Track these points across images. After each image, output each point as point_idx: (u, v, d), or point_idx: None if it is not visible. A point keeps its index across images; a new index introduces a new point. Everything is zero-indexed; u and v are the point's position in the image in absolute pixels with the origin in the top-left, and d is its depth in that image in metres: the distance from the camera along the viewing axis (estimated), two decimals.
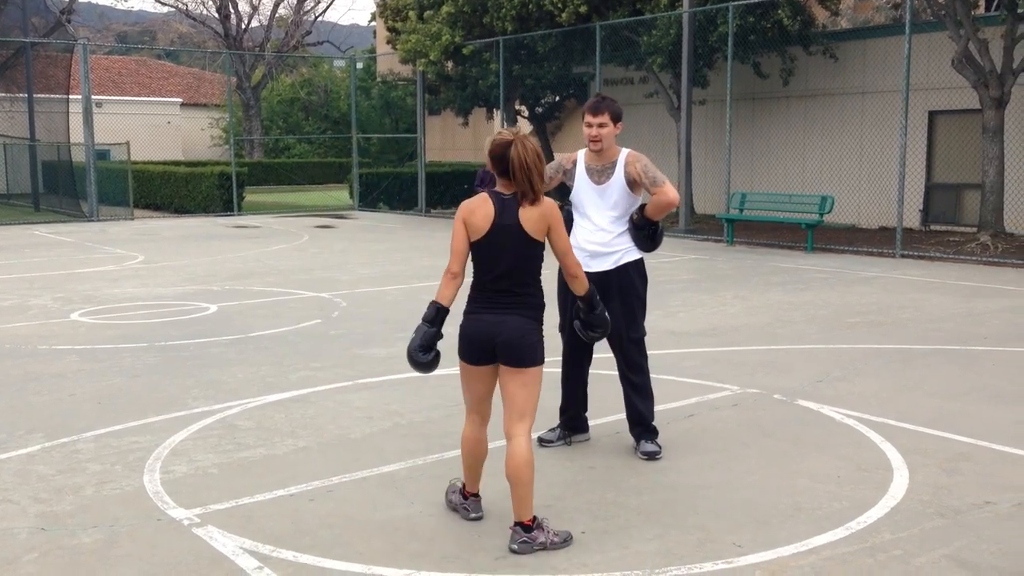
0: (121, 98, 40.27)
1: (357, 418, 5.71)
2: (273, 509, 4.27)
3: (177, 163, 29.99)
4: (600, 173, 4.94)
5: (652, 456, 4.91)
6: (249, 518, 4.17)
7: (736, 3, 16.15)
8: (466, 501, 4.17)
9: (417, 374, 6.47)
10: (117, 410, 5.89)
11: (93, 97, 22.06)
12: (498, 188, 3.90)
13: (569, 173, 5.05)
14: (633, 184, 4.91)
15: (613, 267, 4.93)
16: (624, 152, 4.98)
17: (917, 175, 16.86)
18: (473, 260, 3.90)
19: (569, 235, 4.44)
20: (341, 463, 4.89)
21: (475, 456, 4.10)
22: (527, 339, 3.86)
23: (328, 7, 50.25)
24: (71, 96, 23.62)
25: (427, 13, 21.10)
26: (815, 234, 14.93)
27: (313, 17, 43.98)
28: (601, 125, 4.88)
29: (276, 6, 41.74)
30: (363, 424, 5.60)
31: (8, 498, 4.43)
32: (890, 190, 15.98)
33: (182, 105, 43.53)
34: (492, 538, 3.94)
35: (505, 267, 3.84)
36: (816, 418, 5.67)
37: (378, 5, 25.50)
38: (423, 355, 3.87)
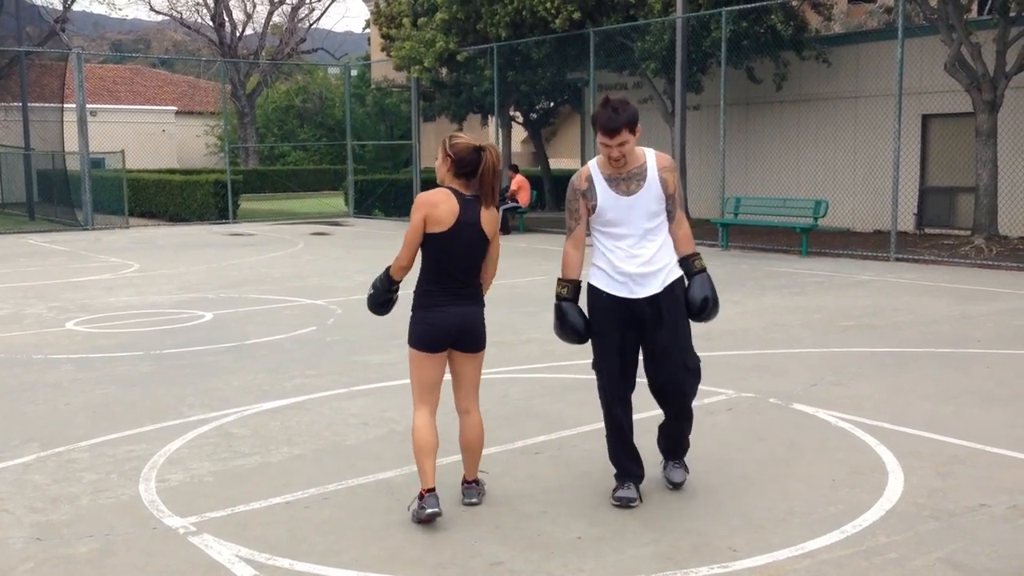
0: (116, 106, 40.26)
1: (353, 425, 5.71)
2: (269, 517, 4.27)
3: (172, 171, 30.00)
4: (627, 181, 4.18)
5: (678, 486, 4.53)
6: (245, 526, 4.17)
7: (729, 8, 16.19)
8: (422, 500, 4.12)
9: (407, 381, 6.48)
10: (112, 419, 5.88)
11: (88, 106, 22.06)
12: (454, 186, 4.14)
13: (589, 193, 4.23)
14: (667, 191, 4.26)
15: (662, 288, 4.23)
16: (650, 153, 4.28)
17: (911, 179, 16.91)
18: (429, 253, 4.11)
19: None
20: (337, 470, 4.89)
21: (430, 445, 4.16)
22: (482, 326, 4.26)
23: (322, 15, 50.33)
24: (66, 105, 23.62)
25: (421, 20, 21.14)
26: (810, 238, 14.97)
27: (307, 24, 44.02)
28: (622, 144, 4.10)
29: (270, 14, 41.79)
30: (359, 431, 5.60)
31: (3, 508, 4.42)
32: (884, 194, 16.01)
33: (177, 113, 43.53)
34: (487, 544, 3.94)
35: (467, 262, 4.14)
36: (811, 422, 5.68)
37: (372, 12, 25.55)
38: (383, 309, 4.34)
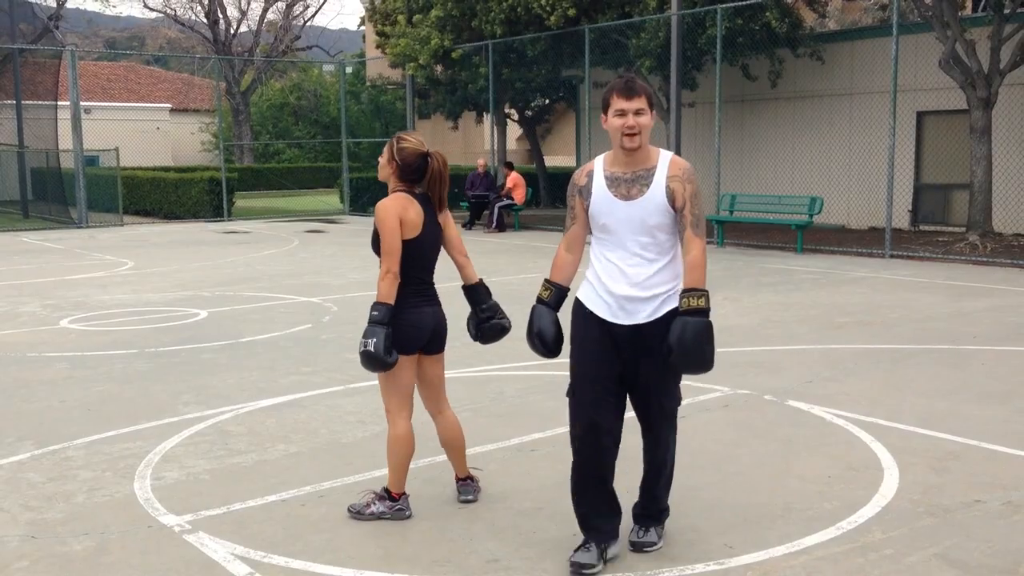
0: (110, 104, 40.16)
1: (348, 422, 5.71)
2: (265, 515, 4.27)
3: (167, 169, 29.93)
4: (629, 183, 3.55)
5: (642, 548, 3.79)
6: (241, 524, 4.16)
7: (724, 6, 16.20)
8: (398, 502, 4.18)
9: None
10: (108, 417, 5.87)
11: (82, 103, 22.00)
12: (403, 188, 4.11)
13: (585, 190, 3.65)
14: (674, 205, 3.55)
15: (650, 320, 3.57)
16: (665, 156, 3.61)
17: (906, 176, 16.92)
18: (402, 259, 4.03)
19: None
20: (333, 468, 4.88)
21: (412, 452, 4.22)
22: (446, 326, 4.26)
23: (317, 12, 50.28)
24: (59, 102, 23.54)
25: (416, 17, 21.11)
26: (805, 235, 14.98)
27: (302, 22, 43.97)
28: (638, 112, 3.50)
29: (265, 11, 41.72)
30: (354, 428, 5.59)
31: None
32: (879, 191, 16.04)
33: (171, 111, 43.43)
34: (483, 542, 3.94)
35: (434, 259, 4.17)
36: (807, 418, 5.68)
37: (367, 9, 25.51)
38: (391, 357, 3.98)
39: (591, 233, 3.73)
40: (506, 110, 25.32)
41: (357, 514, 4.18)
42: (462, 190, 20.12)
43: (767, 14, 16.63)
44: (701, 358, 3.50)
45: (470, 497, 4.37)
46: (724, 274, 12.22)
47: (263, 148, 42.19)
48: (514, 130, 32.86)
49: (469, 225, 19.45)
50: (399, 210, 4.00)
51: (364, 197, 24.77)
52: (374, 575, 3.65)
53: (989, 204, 14.60)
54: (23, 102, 24.27)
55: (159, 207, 24.40)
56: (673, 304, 3.55)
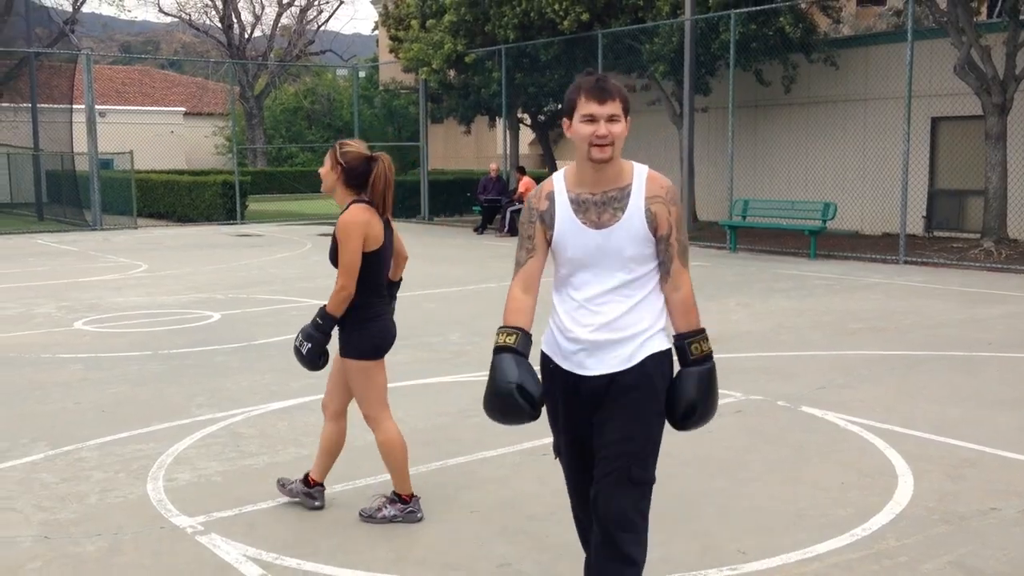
0: (124, 108, 40.38)
1: (359, 426, 5.68)
2: (276, 517, 4.27)
3: (180, 172, 30.06)
4: (600, 207, 2.89)
5: None
6: (253, 526, 4.17)
7: (738, 11, 16.17)
8: (409, 504, 4.19)
9: (415, 382, 6.51)
10: (121, 418, 5.89)
11: (96, 107, 22.13)
12: (354, 198, 4.05)
13: (548, 216, 2.96)
14: (656, 232, 2.90)
15: (627, 366, 2.89)
16: (641, 172, 2.93)
17: (920, 181, 16.85)
18: (365, 271, 4.01)
19: None
20: (344, 471, 4.88)
21: (406, 450, 4.24)
22: None
23: (330, 17, 50.49)
24: (74, 106, 23.70)
25: (429, 22, 21.17)
26: (818, 241, 14.93)
27: (316, 26, 44.14)
28: (612, 118, 2.82)
29: (279, 16, 41.91)
30: (366, 432, 5.56)
31: (12, 506, 4.43)
32: (893, 196, 15.97)
33: (185, 114, 43.65)
34: (495, 546, 3.94)
35: (389, 267, 4.19)
36: (820, 424, 5.66)
37: (380, 14, 25.60)
38: (323, 360, 4.14)
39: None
40: (519, 115, 25.34)
41: (369, 518, 4.18)
42: (475, 194, 20.19)
43: (781, 19, 16.59)
44: (711, 409, 2.99)
45: (297, 500, 4.37)
46: (737, 279, 12.19)
47: (276, 152, 42.35)
48: (526, 135, 32.87)
49: (481, 229, 19.48)
50: (364, 226, 3.95)
51: None
52: None
53: (1004, 210, 14.52)
54: (39, 105, 24.45)
55: (173, 210, 24.51)
56: (657, 347, 2.91)
